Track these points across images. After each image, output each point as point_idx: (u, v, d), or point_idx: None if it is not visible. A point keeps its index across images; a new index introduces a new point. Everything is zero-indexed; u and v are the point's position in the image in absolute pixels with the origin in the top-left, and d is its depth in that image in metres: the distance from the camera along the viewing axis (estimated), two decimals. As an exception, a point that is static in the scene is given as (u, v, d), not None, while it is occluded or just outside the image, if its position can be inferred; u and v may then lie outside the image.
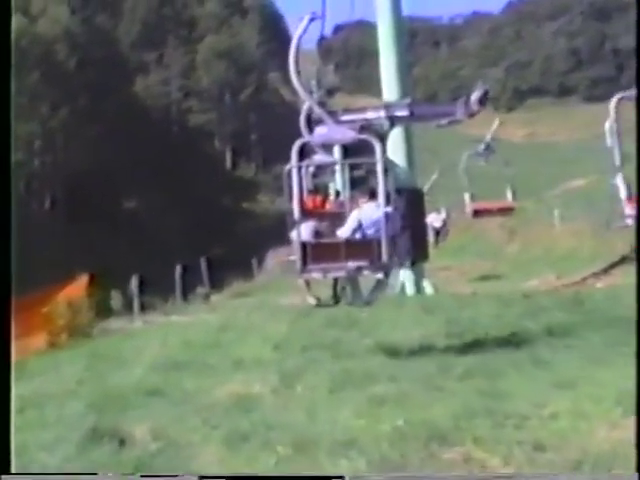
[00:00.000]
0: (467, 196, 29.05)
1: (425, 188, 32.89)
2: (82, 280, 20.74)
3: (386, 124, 21.49)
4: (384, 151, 12.57)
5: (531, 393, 8.86)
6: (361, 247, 11.91)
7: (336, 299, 14.09)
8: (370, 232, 12.15)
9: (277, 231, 16.66)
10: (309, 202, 15.21)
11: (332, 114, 21.17)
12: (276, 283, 39.29)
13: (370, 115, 21.74)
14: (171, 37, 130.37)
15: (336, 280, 13.21)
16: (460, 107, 21.89)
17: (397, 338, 12.53)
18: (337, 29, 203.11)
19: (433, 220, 36.57)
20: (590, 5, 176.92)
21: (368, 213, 12.37)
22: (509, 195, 28.36)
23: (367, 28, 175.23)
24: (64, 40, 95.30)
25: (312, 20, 13.49)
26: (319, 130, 13.62)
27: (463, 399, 8.63)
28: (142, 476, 7.44)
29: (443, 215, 38.18)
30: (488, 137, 28.88)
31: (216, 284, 41.01)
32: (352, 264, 11.72)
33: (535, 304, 15.42)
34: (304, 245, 11.87)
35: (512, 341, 11.66)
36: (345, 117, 21.65)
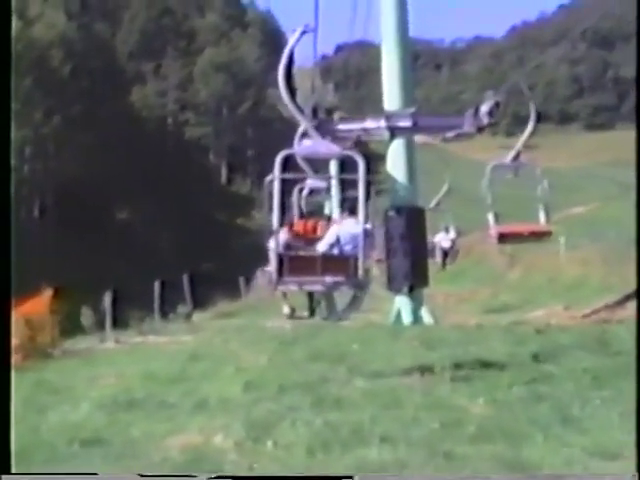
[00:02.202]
0: (491, 216, 23.14)
1: (432, 203, 30.58)
2: (46, 295, 18.77)
3: (386, 135, 19.64)
4: (368, 169, 11.94)
5: (566, 465, 6.93)
6: (338, 262, 11.65)
7: (311, 312, 14.76)
8: (348, 248, 11.88)
9: None
10: (299, 227, 15.28)
11: (328, 122, 19.37)
12: (264, 303, 37.49)
13: (369, 125, 19.82)
14: (170, 48, 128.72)
15: (312, 294, 13.42)
16: (468, 119, 20.00)
17: (393, 380, 10.50)
18: (338, 49, 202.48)
19: (441, 240, 34.09)
20: (594, 33, 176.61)
21: (347, 229, 12.16)
22: (542, 217, 23.94)
23: (367, 49, 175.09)
24: (59, 46, 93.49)
25: (304, 33, 13.68)
26: (305, 142, 13.64)
27: (479, 473, 6.69)
28: (142, 476, 7.20)
29: (452, 234, 34.77)
30: (519, 144, 24.24)
31: (203, 302, 39.28)
32: (328, 279, 11.43)
33: (551, 341, 13.37)
34: (280, 257, 11.46)
35: (532, 390, 9.61)
36: (342, 126, 19.79)
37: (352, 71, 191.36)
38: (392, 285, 18.89)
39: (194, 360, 13.36)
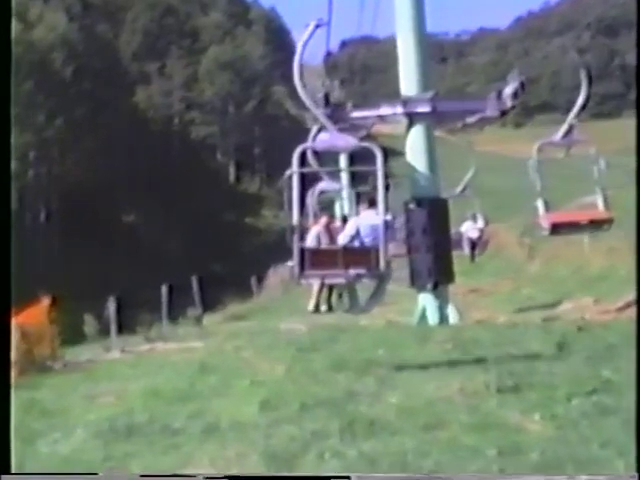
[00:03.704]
0: (540, 203, 19.52)
1: (457, 189, 28.77)
2: (43, 304, 17.49)
3: (404, 121, 18.36)
4: (386, 160, 12.05)
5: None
6: (359, 255, 11.77)
7: (329, 306, 14.86)
8: (368, 240, 12.07)
9: (281, 248, 14.81)
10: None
11: (341, 110, 18.18)
12: (277, 304, 36.42)
13: (385, 111, 18.58)
14: (174, 47, 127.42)
15: (331, 289, 13.75)
16: (491, 102, 18.70)
17: (429, 393, 9.10)
18: (342, 45, 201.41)
19: (468, 229, 31.68)
20: (599, 21, 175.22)
21: (366, 220, 12.34)
22: (599, 202, 19.64)
23: (372, 44, 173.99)
24: (61, 48, 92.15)
25: (317, 27, 13.96)
26: (321, 136, 13.60)
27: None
28: (142, 476, 7.09)
29: (480, 223, 31.92)
30: (570, 117, 20.24)
31: (214, 304, 38.34)
32: (350, 271, 11.48)
33: (598, 341, 11.98)
34: (302, 251, 11.51)
35: (595, 402, 8.19)
36: (356, 113, 18.57)
37: (358, 67, 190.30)
38: (415, 282, 17.67)
39: (204, 372, 12.05)
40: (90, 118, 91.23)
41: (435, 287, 17.38)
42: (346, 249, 11.90)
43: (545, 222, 19.77)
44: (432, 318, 17.26)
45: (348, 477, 6.42)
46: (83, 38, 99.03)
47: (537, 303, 25.96)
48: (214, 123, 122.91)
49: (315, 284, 13.05)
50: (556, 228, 20.00)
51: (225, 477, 6.90)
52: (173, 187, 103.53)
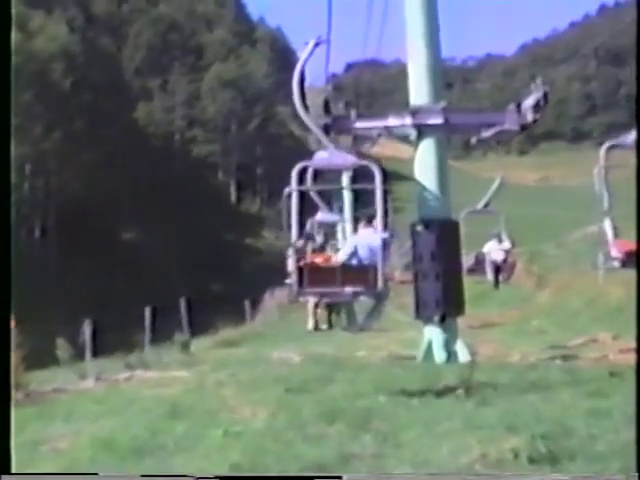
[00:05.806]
0: (609, 225, 16.40)
1: (480, 204, 26.64)
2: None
3: (413, 134, 16.64)
4: (385, 178, 12.13)
5: None
6: (357, 273, 11.84)
7: (330, 324, 15.10)
8: (365, 257, 12.14)
9: (281, 269, 15.05)
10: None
11: (344, 119, 16.57)
12: (272, 329, 34.73)
13: (392, 122, 16.86)
14: (177, 63, 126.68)
15: (330, 307, 13.97)
16: (510, 115, 16.96)
17: (442, 460, 7.24)
18: (348, 68, 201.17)
19: (492, 251, 28.24)
20: (605, 50, 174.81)
21: (364, 239, 12.42)
22: None
23: (378, 68, 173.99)
24: (61, 59, 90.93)
25: (317, 45, 14.10)
26: (320, 154, 13.47)
27: None
28: (142, 476, 7.03)
29: (507, 244, 28.34)
30: None
31: (210, 326, 36.90)
32: (348, 289, 11.54)
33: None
34: (300, 268, 11.59)
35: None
36: (360, 124, 16.88)
37: (363, 90, 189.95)
38: (421, 313, 15.93)
39: (173, 417, 10.23)
40: (90, 132, 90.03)
41: (443, 320, 15.66)
42: (344, 267, 12.00)
43: (616, 250, 17.06)
44: (439, 355, 15.50)
45: (340, 477, 6.37)
46: (85, 50, 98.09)
47: (549, 337, 24.20)
48: (216, 141, 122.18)
49: (310, 303, 13.07)
50: (631, 258, 16.66)
51: (225, 477, 6.81)
52: (173, 205, 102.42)
